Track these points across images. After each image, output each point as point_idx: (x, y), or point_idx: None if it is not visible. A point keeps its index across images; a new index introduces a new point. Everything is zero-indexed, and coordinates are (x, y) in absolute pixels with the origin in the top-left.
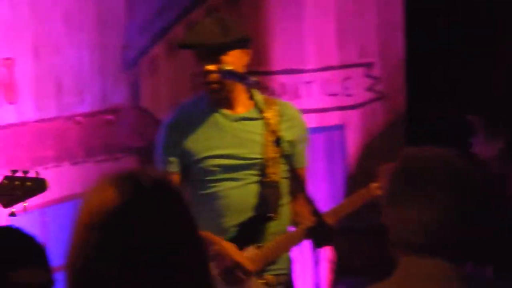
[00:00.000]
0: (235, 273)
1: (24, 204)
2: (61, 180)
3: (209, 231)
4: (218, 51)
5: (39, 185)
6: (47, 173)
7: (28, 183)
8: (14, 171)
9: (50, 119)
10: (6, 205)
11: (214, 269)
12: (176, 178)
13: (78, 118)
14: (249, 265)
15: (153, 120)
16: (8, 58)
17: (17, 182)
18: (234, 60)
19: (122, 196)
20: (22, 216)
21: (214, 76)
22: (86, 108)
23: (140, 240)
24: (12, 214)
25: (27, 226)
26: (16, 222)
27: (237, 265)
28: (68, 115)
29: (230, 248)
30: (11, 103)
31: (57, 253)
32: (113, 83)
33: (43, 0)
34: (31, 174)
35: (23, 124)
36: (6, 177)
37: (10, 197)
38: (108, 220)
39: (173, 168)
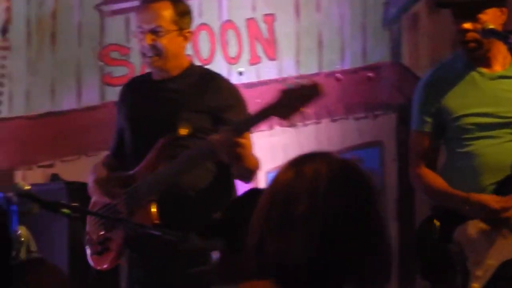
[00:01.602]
0: (496, 223)
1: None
2: (320, 136)
3: (466, 190)
4: (475, 8)
5: (314, 90)
6: (307, 130)
7: (304, 91)
8: (289, 84)
9: (310, 76)
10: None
11: (474, 227)
12: (428, 138)
13: (338, 75)
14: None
15: (413, 78)
16: (269, 14)
17: (293, 93)
18: (491, 18)
19: (299, 177)
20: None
21: (472, 35)
22: (346, 65)
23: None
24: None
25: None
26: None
27: (498, 214)
28: (328, 72)
29: (490, 199)
30: (272, 59)
31: None
32: (374, 40)
33: None
34: (304, 82)
35: (283, 80)
36: (282, 91)
37: (289, 108)
38: (284, 197)
39: (427, 127)
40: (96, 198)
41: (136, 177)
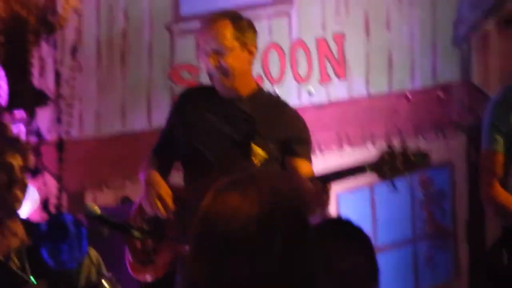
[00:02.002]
0: None
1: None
2: None
3: None
4: None
5: (422, 159)
6: (377, 150)
7: (411, 157)
8: (392, 146)
9: (380, 96)
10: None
11: None
12: (500, 158)
13: (408, 95)
14: None
15: (483, 97)
16: (339, 34)
17: (399, 156)
18: None
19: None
20: (353, 194)
21: None
22: (416, 84)
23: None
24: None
25: (358, 203)
26: (347, 198)
27: None
28: (399, 92)
29: None
30: (342, 78)
31: (384, 231)
32: (444, 59)
33: None
34: (412, 147)
35: (353, 100)
36: (386, 151)
37: (392, 170)
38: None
39: (498, 147)
40: (144, 203)
41: (194, 194)
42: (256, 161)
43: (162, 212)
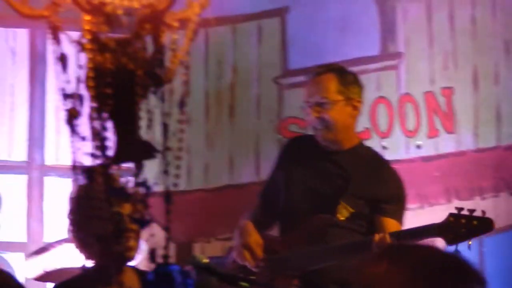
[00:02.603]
0: None
1: (469, 243)
2: (499, 210)
3: None
4: None
5: (485, 225)
6: (485, 203)
7: (475, 222)
8: (460, 209)
9: (488, 149)
10: (449, 242)
11: None
12: None
13: None
14: None
15: None
16: (447, 88)
17: (463, 220)
18: None
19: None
20: (460, 246)
21: None
22: None
23: None
24: (457, 251)
25: (466, 255)
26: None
27: None
28: (507, 145)
29: None
30: (450, 132)
31: (494, 284)
32: None
33: (482, 29)
34: (477, 213)
35: (461, 153)
36: (452, 215)
37: (455, 235)
38: None
39: None
40: (234, 252)
41: (281, 245)
42: (341, 217)
43: (249, 262)
